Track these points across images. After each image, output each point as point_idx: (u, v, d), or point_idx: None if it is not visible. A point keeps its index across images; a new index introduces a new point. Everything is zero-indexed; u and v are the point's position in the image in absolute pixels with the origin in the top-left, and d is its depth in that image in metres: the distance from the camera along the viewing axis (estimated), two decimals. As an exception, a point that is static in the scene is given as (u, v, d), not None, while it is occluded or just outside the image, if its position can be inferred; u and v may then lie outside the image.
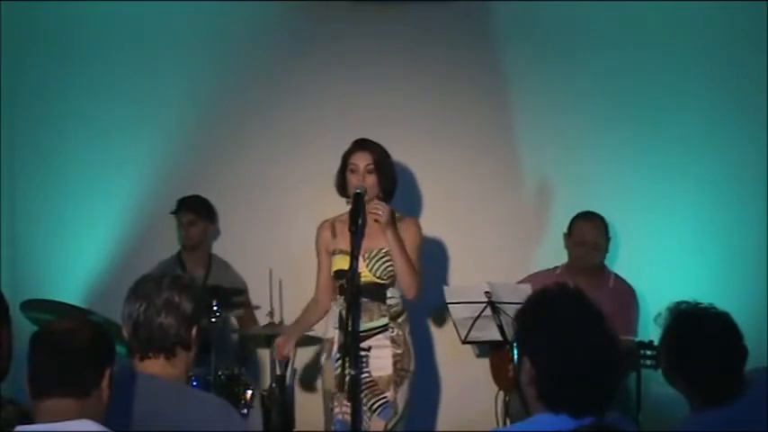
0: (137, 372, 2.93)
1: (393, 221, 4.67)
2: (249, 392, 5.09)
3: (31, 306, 4.86)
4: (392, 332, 4.73)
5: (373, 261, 4.71)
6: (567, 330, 2.57)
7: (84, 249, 5.93)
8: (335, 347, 4.73)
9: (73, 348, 2.57)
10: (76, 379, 2.56)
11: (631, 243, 5.70)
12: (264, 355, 5.75)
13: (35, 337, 2.64)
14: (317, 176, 5.39)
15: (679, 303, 3.14)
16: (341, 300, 4.73)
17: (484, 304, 4.83)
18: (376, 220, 4.63)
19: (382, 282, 4.74)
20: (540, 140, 5.87)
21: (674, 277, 5.53)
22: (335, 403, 4.71)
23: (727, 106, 5.78)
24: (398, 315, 4.77)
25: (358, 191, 4.65)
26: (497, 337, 4.85)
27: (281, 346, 4.84)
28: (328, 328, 4.82)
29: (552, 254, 5.57)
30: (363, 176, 4.73)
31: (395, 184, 4.84)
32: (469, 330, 4.94)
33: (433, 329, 5.78)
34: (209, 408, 2.95)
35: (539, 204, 5.88)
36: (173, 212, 5.77)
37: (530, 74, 5.89)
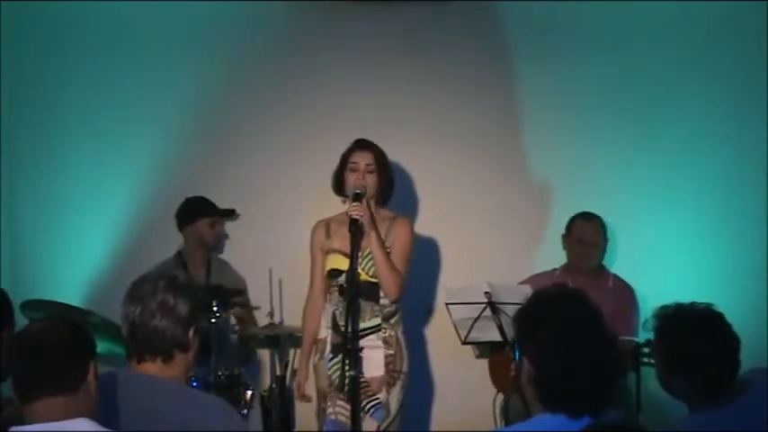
0: (135, 373, 2.93)
1: (374, 223, 4.65)
2: (249, 393, 5.09)
3: (31, 306, 4.85)
4: (384, 333, 4.71)
5: (366, 260, 4.68)
6: (565, 330, 2.57)
7: (84, 250, 5.93)
8: (328, 348, 4.74)
9: (54, 346, 2.59)
10: (64, 376, 2.57)
11: (632, 243, 5.70)
12: (264, 355, 5.75)
13: (15, 341, 2.64)
14: (316, 176, 5.38)
15: (663, 307, 3.15)
16: (334, 299, 4.75)
17: (484, 305, 4.82)
18: (356, 220, 4.55)
19: (376, 281, 4.70)
20: (541, 140, 5.87)
21: (674, 278, 5.53)
22: (329, 403, 4.69)
23: (727, 106, 5.78)
24: (391, 316, 4.74)
25: (358, 191, 4.64)
26: (497, 337, 4.84)
27: (299, 390, 4.91)
28: (321, 328, 4.80)
29: (552, 254, 5.56)
30: (363, 175, 4.72)
31: (392, 188, 4.83)
32: (469, 331, 4.94)
33: (433, 330, 5.78)
34: (209, 408, 2.94)
35: (539, 205, 5.87)
36: (192, 217, 5.72)
37: (529, 73, 5.88)
